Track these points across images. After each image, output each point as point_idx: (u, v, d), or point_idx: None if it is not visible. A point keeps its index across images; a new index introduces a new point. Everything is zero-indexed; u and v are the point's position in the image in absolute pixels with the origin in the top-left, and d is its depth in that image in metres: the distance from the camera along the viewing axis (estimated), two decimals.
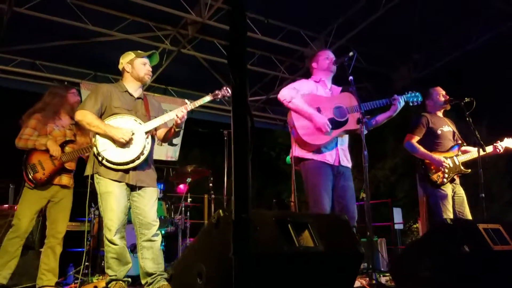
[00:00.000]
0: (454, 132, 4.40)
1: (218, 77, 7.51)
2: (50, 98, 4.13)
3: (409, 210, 10.17)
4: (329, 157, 3.55)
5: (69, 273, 5.03)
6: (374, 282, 2.99)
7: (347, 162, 3.66)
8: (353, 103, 3.56)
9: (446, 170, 4.15)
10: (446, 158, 4.21)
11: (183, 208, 5.82)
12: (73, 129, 4.13)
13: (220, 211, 1.96)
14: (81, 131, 4.12)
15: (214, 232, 1.98)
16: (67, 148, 4.02)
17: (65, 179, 4.03)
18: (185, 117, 3.39)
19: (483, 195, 3.87)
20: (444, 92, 4.44)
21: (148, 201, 3.35)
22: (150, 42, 6.58)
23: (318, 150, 3.54)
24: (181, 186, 6.67)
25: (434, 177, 4.18)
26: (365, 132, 3.34)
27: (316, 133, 3.51)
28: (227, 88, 3.60)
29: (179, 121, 3.37)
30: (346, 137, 3.74)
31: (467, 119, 4.09)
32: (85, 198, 5.80)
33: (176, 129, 3.42)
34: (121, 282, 3.23)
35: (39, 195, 3.92)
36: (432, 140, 4.32)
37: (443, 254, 2.47)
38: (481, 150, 4.10)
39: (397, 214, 9.15)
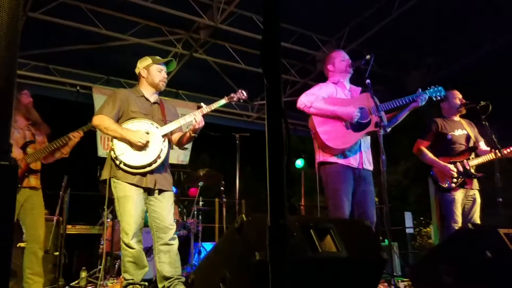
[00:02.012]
0: (468, 136, 4.36)
1: (229, 81, 7.51)
2: None
3: (421, 214, 10.10)
4: (353, 160, 3.52)
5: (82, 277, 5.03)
6: (393, 287, 2.97)
7: (369, 165, 3.63)
8: (373, 103, 3.51)
9: (455, 175, 4.13)
10: (455, 162, 4.18)
11: (195, 212, 5.82)
12: (31, 129, 4.15)
13: (243, 215, 1.95)
14: (39, 130, 4.15)
15: (237, 236, 1.96)
16: (29, 149, 4.04)
17: (33, 181, 4.06)
18: (203, 123, 3.39)
19: (501, 199, 3.83)
20: (460, 96, 4.41)
21: (166, 205, 3.36)
22: (163, 46, 6.60)
23: (342, 154, 3.51)
24: (192, 189, 6.66)
25: (442, 182, 4.17)
26: (389, 129, 3.31)
27: (340, 136, 3.48)
28: (243, 91, 3.59)
29: (197, 126, 3.37)
30: (368, 139, 3.70)
31: (483, 122, 4.06)
32: (96, 202, 5.84)
33: (192, 135, 3.42)
34: (138, 286, 3.23)
35: None
36: (442, 145, 4.32)
37: (465, 259, 2.44)
38: (495, 153, 4.07)
39: (408, 219, 9.11)
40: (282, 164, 1.15)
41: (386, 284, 3.05)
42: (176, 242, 3.34)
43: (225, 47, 6.91)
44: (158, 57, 3.57)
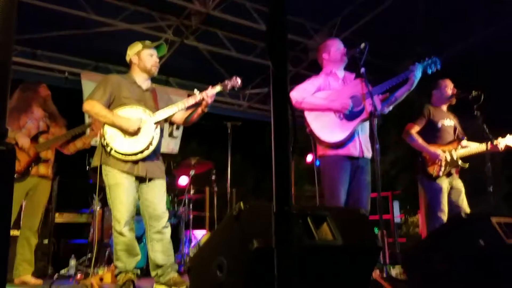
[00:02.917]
0: (455, 127, 4.39)
1: (220, 69, 7.45)
2: (21, 94, 4.29)
3: (408, 203, 10.23)
4: (353, 149, 3.51)
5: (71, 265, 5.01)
6: (385, 275, 2.99)
7: (368, 152, 3.61)
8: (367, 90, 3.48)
9: (443, 163, 4.14)
10: (444, 151, 4.19)
11: (186, 200, 5.82)
12: (46, 120, 4.31)
13: (241, 203, 1.94)
14: (54, 122, 4.27)
15: (235, 224, 1.96)
16: (41, 139, 4.18)
17: (43, 169, 4.18)
18: (214, 98, 3.42)
19: (491, 189, 3.88)
20: (452, 86, 4.43)
21: (157, 193, 3.34)
22: (153, 32, 6.50)
23: (341, 144, 3.50)
24: (182, 179, 6.60)
25: (430, 169, 4.18)
26: (387, 111, 3.30)
27: (334, 130, 3.48)
28: (237, 78, 3.55)
29: (209, 100, 3.37)
30: (365, 125, 3.67)
31: (475, 112, 4.08)
32: (86, 190, 5.79)
33: (205, 110, 3.44)
34: (130, 273, 3.23)
35: (18, 188, 3.98)
36: (432, 132, 4.33)
37: (458, 248, 2.47)
38: (482, 145, 4.11)
39: (396, 207, 9.22)
40: (288, 152, 1.14)
41: (378, 271, 3.07)
42: (168, 230, 3.33)
43: (216, 34, 6.84)
44: (148, 42, 3.51)
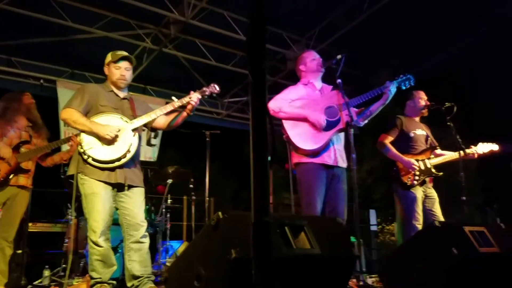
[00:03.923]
0: (427, 136, 4.48)
1: (199, 77, 7.46)
2: (6, 104, 4.23)
3: (384, 212, 10.36)
4: (327, 158, 3.55)
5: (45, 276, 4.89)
6: (361, 283, 3.03)
7: (342, 162, 3.66)
8: (343, 100, 3.54)
9: (417, 173, 4.23)
10: (417, 160, 4.28)
11: (163, 210, 5.75)
12: (28, 130, 4.24)
13: (220, 213, 1.95)
14: (37, 133, 4.25)
15: (213, 234, 1.96)
16: (22, 149, 4.11)
17: (22, 180, 4.12)
18: (198, 102, 3.44)
19: (465, 198, 3.96)
20: (426, 98, 4.52)
21: (136, 201, 3.30)
22: (131, 40, 6.48)
23: (316, 153, 3.54)
24: (160, 187, 6.57)
25: (405, 179, 4.25)
26: (362, 124, 3.35)
27: (311, 137, 3.51)
28: (215, 85, 3.54)
29: (194, 104, 3.39)
30: (341, 136, 3.73)
31: (448, 123, 4.18)
32: (60, 199, 5.68)
33: (190, 114, 3.44)
34: (105, 284, 3.17)
35: None
36: (405, 142, 4.39)
37: (432, 256, 2.51)
38: (455, 153, 4.22)
39: (372, 216, 9.34)
40: (266, 162, 1.15)
41: (354, 280, 3.10)
42: (147, 240, 3.29)
43: (195, 43, 6.86)
44: (118, 53, 3.46)
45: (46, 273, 4.86)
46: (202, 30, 6.33)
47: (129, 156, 3.24)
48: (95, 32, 6.24)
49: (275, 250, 1.12)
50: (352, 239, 3.46)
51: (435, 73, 6.96)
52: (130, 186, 3.29)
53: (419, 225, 4.11)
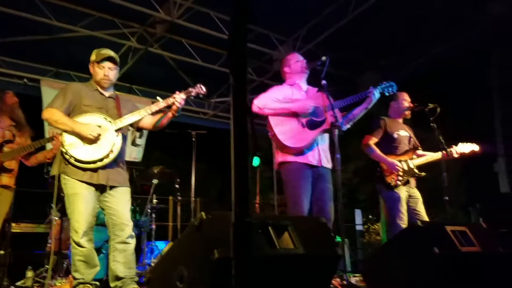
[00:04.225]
0: (410, 137, 4.54)
1: (185, 77, 7.44)
2: None
3: (370, 212, 10.45)
4: (311, 158, 3.58)
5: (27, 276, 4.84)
6: (345, 282, 3.05)
7: (327, 163, 3.69)
8: (328, 102, 3.58)
9: (400, 173, 4.28)
10: (400, 161, 4.34)
11: (149, 210, 5.72)
12: (12, 130, 4.23)
13: (203, 213, 1.95)
14: (20, 132, 4.21)
15: (196, 234, 1.96)
16: (5, 149, 4.09)
17: (5, 179, 4.11)
18: (183, 102, 3.40)
19: (447, 198, 4.01)
20: (409, 100, 4.58)
21: (120, 200, 3.27)
22: (116, 39, 6.43)
23: (300, 152, 3.56)
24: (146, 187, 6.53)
25: (388, 179, 4.31)
26: (346, 128, 3.38)
27: (297, 135, 3.53)
28: (201, 86, 3.51)
29: (179, 105, 3.35)
30: (325, 137, 3.76)
31: (432, 124, 4.23)
32: (44, 199, 5.62)
33: (176, 115, 3.41)
34: (88, 285, 3.14)
35: None
36: (388, 143, 4.45)
37: (414, 255, 2.54)
38: (437, 154, 4.31)
39: (358, 216, 9.41)
40: (247, 163, 1.15)
41: (338, 279, 3.12)
42: (133, 241, 3.26)
43: (181, 42, 6.83)
44: (102, 52, 3.41)
45: (29, 273, 4.80)
46: (188, 30, 6.31)
47: (112, 156, 3.22)
48: (80, 31, 6.17)
49: (256, 250, 1.13)
50: (337, 238, 3.49)
51: (421, 74, 7.03)
52: (112, 187, 3.26)
53: (403, 224, 4.16)
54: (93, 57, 3.41)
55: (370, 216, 10.86)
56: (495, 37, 6.70)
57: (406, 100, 4.57)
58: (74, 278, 3.15)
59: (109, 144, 3.22)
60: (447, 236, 2.68)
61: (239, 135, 1.16)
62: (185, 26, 6.13)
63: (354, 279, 3.58)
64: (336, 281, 3.10)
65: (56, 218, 5.04)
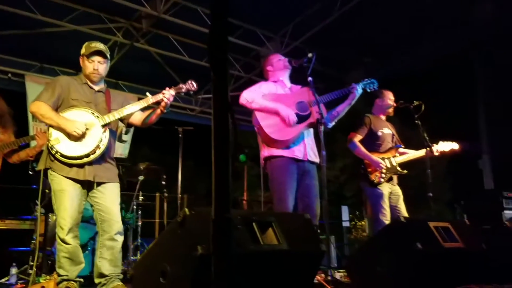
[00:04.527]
0: (393, 135, 4.60)
1: (172, 73, 7.39)
2: None
3: (356, 209, 10.53)
4: (298, 152, 3.59)
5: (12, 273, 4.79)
6: (329, 278, 3.07)
7: (314, 157, 3.70)
8: (313, 97, 3.60)
9: (384, 170, 4.33)
10: (383, 158, 4.39)
11: (134, 207, 5.69)
12: None
13: (186, 209, 1.94)
14: (4, 128, 4.14)
15: (179, 230, 1.95)
16: None
17: None
18: (172, 99, 3.33)
19: (431, 194, 4.06)
20: (393, 98, 4.64)
21: (109, 196, 3.23)
22: (102, 34, 6.36)
23: (286, 146, 3.57)
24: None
25: (372, 176, 4.36)
26: (331, 125, 3.40)
27: (283, 129, 3.54)
28: (193, 82, 3.46)
29: (168, 101, 3.29)
30: (311, 131, 3.79)
31: (416, 121, 4.28)
32: (28, 196, 5.56)
33: (164, 111, 3.35)
34: (72, 282, 3.11)
35: None
36: (372, 140, 4.50)
37: (397, 251, 2.57)
38: (419, 151, 4.40)
39: (345, 212, 9.47)
40: (227, 158, 1.15)
41: (323, 275, 3.14)
42: (121, 239, 3.22)
43: (168, 38, 6.78)
44: (92, 45, 3.34)
45: (14, 271, 4.76)
46: (175, 25, 6.27)
47: (98, 152, 3.17)
48: (65, 26, 6.10)
49: (235, 246, 1.12)
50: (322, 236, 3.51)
51: (407, 72, 7.09)
52: (100, 183, 3.22)
53: (386, 220, 4.21)
54: (83, 50, 3.35)
55: (357, 213, 10.94)
56: (481, 37, 6.78)
57: (390, 99, 4.63)
58: (59, 275, 3.12)
59: (96, 140, 3.18)
60: (430, 232, 2.71)
61: (219, 131, 1.16)
62: (172, 21, 6.09)
63: (339, 275, 3.61)
64: (320, 277, 3.12)
65: (40, 214, 5.00)
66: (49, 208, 4.82)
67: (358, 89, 3.82)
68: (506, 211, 5.15)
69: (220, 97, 1.17)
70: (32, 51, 6.87)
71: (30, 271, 4.62)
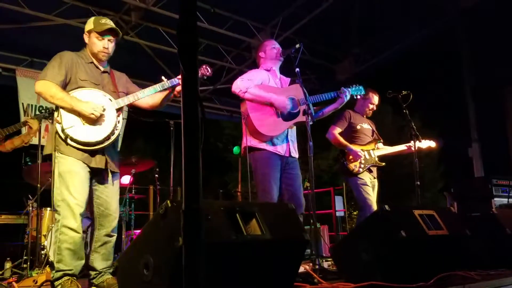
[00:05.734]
0: (373, 130, 4.76)
1: (163, 65, 7.37)
2: None
3: (350, 198, 10.57)
4: (280, 148, 3.64)
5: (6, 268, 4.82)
6: (317, 267, 3.10)
7: (295, 153, 3.77)
8: (303, 95, 3.60)
9: (362, 161, 4.46)
10: (362, 150, 4.54)
11: (127, 200, 5.71)
12: None
13: (168, 201, 1.96)
14: None
15: (162, 222, 1.97)
16: None
17: None
18: None
19: (418, 182, 4.12)
20: (377, 103, 4.78)
21: (111, 189, 3.06)
22: None
23: (271, 141, 3.61)
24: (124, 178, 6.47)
25: (351, 166, 4.46)
26: (311, 122, 3.43)
27: (271, 124, 3.56)
28: (207, 67, 3.33)
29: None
30: (294, 130, 3.84)
31: (404, 111, 4.32)
32: (21, 190, 5.57)
33: (178, 96, 3.10)
34: (74, 279, 2.81)
35: None
36: (351, 134, 4.66)
37: (382, 238, 2.59)
38: (397, 147, 4.61)
39: (339, 202, 9.49)
40: (197, 150, 1.17)
41: (311, 264, 3.17)
42: (115, 234, 3.11)
43: (158, 30, 6.76)
44: (103, 21, 3.04)
45: (7, 265, 4.79)
46: (164, 17, 6.23)
47: (112, 138, 2.93)
48: (54, 19, 6.07)
49: (206, 237, 1.15)
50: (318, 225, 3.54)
51: (396, 62, 7.10)
52: (106, 173, 3.00)
53: (373, 207, 4.31)
54: (90, 25, 3.04)
55: (352, 203, 11.00)
56: (467, 28, 6.81)
57: (372, 102, 4.77)
58: (58, 270, 2.81)
59: (111, 125, 2.93)
60: (414, 220, 2.74)
61: (189, 122, 1.17)
62: (161, 13, 6.06)
63: (326, 264, 3.65)
64: (308, 266, 3.15)
65: (33, 208, 5.02)
66: (43, 203, 4.84)
67: (347, 95, 3.87)
68: (496, 198, 5.20)
69: (189, 89, 1.19)
70: (22, 45, 6.85)
71: (24, 265, 4.65)
